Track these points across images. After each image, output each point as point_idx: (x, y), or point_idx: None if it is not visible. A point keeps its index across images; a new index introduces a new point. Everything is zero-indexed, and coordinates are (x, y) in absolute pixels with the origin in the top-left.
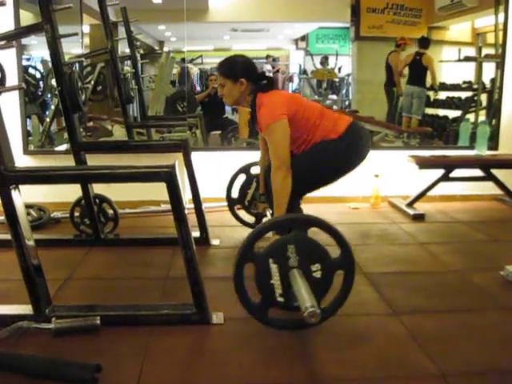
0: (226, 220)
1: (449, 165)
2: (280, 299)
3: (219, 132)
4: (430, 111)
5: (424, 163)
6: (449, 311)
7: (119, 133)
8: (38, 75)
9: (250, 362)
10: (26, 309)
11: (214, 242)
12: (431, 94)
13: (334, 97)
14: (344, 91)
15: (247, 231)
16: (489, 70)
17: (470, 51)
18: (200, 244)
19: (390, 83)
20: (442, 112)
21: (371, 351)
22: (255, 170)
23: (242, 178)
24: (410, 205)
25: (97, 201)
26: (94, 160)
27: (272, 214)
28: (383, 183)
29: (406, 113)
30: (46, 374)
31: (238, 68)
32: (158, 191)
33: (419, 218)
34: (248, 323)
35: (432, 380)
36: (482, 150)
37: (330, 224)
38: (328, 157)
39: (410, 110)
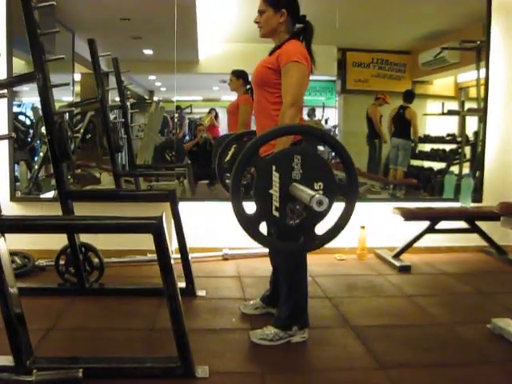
0: (213, 270)
1: (434, 217)
2: (275, 213)
3: (207, 182)
4: (415, 163)
5: (409, 215)
6: (436, 365)
7: (107, 180)
8: (28, 122)
9: None
10: (6, 360)
11: (200, 292)
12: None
13: (321, 148)
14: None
15: (234, 282)
16: (472, 124)
17: (454, 105)
18: (186, 295)
19: (371, 135)
20: (427, 164)
21: None
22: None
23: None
24: (397, 256)
25: (83, 249)
26: (81, 208)
27: None
28: (369, 234)
29: (392, 164)
30: None
31: None
32: (144, 241)
33: (405, 269)
34: (233, 377)
35: None
36: (466, 203)
37: (341, 145)
38: None
39: (396, 162)
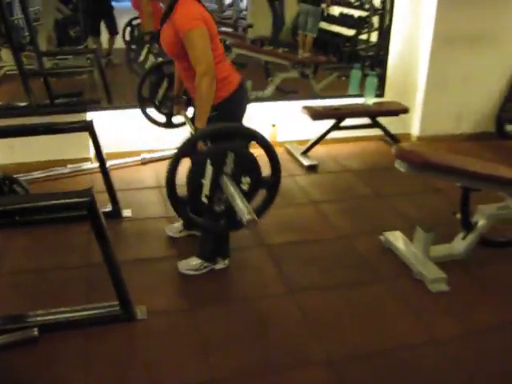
0: (134, 180)
1: (339, 115)
2: (204, 200)
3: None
4: (324, 26)
5: (317, 115)
6: (336, 287)
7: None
8: None
9: (175, 361)
10: None
11: (126, 213)
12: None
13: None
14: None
15: (157, 194)
16: None
17: None
18: (112, 217)
19: None
20: (335, 29)
21: (273, 340)
22: (167, 70)
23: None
24: (305, 153)
25: (6, 182)
26: None
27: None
28: (280, 130)
29: (302, 30)
30: None
31: None
32: (64, 150)
33: (312, 169)
34: (169, 317)
35: (321, 368)
36: (370, 100)
37: (270, 143)
38: (237, 111)
39: (305, 28)
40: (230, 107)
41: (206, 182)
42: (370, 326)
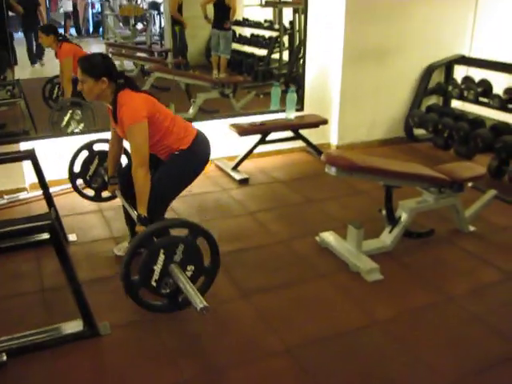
0: (74, 206)
1: (264, 131)
2: (153, 283)
3: None
4: (237, 47)
5: (243, 131)
6: (283, 286)
7: None
8: None
9: (145, 369)
10: None
11: (71, 237)
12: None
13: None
14: (153, 26)
15: (97, 218)
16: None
17: None
18: None
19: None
20: (248, 49)
21: (233, 338)
22: (97, 147)
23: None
24: (235, 168)
25: None
26: None
27: (125, 195)
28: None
29: (214, 51)
30: None
31: (100, 67)
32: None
33: (244, 182)
34: (132, 328)
35: (281, 356)
36: (291, 114)
37: (214, 238)
38: (184, 169)
39: (217, 49)
40: (177, 168)
41: (157, 269)
42: (319, 315)
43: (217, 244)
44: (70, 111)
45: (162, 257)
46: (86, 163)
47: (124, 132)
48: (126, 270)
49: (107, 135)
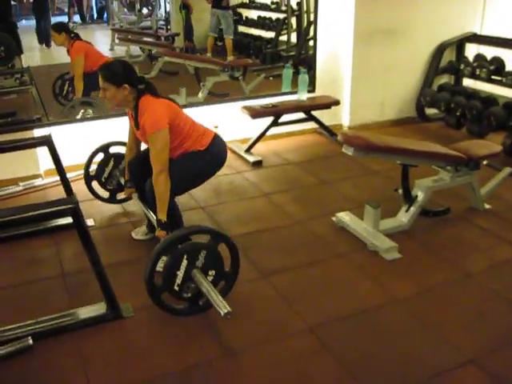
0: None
1: (276, 112)
2: (176, 288)
3: None
4: (244, 29)
5: (255, 114)
6: (301, 266)
7: None
8: None
9: (168, 349)
10: None
11: (89, 222)
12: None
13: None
14: (158, 11)
15: (114, 206)
16: None
17: None
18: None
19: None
20: (255, 32)
21: (256, 318)
22: (113, 150)
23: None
24: (248, 150)
25: None
26: None
27: (142, 198)
28: (223, 131)
29: (212, 32)
30: None
31: (121, 74)
32: (12, 168)
33: (258, 164)
34: (153, 311)
35: (305, 336)
36: (303, 96)
37: (234, 245)
38: (197, 165)
39: (216, 31)
40: (189, 163)
41: (180, 274)
42: (339, 294)
43: (237, 249)
44: (82, 110)
45: (184, 262)
46: (102, 166)
47: (145, 138)
48: (150, 274)
49: (119, 123)
